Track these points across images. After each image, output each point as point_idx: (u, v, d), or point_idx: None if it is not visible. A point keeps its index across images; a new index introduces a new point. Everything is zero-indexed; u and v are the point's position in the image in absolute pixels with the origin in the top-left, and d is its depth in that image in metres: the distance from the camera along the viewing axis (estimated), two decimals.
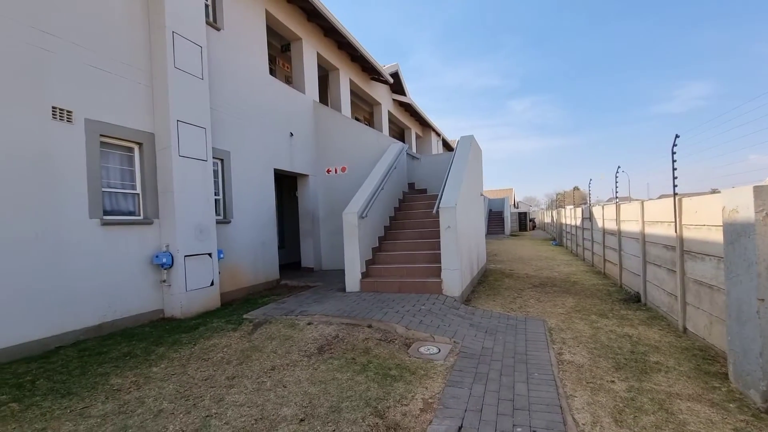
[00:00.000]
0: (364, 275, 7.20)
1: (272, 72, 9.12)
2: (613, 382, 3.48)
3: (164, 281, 5.84)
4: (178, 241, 5.78)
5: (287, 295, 7.28)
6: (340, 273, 9.19)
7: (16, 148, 4.26)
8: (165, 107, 5.74)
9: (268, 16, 8.74)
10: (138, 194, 5.70)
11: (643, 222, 6.19)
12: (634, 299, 6.45)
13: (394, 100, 16.88)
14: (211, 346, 4.55)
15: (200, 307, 6.12)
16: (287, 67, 11.15)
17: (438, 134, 23.38)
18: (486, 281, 8.65)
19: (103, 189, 5.19)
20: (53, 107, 4.58)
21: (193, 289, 6.02)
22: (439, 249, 6.62)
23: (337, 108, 11.87)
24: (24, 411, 3.12)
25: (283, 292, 7.80)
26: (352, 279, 7.04)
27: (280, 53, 10.80)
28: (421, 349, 4.27)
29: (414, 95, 17.63)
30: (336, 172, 10.23)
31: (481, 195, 10.23)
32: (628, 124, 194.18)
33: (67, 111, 4.71)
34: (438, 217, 6.54)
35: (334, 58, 11.54)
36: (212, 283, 6.41)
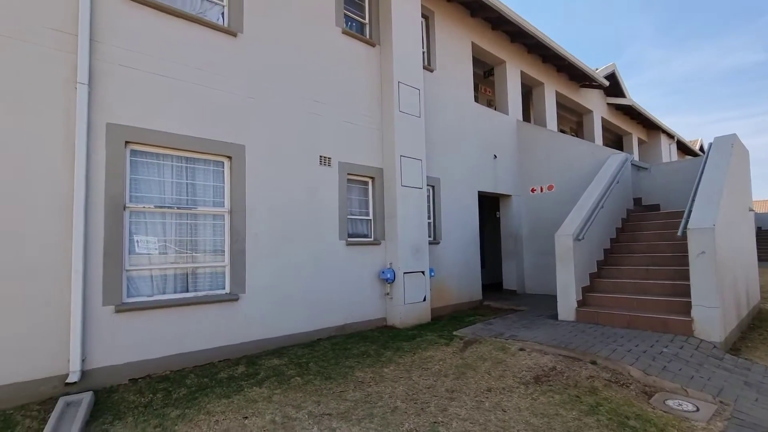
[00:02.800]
0: (581, 303, 6.48)
1: (475, 99, 9.53)
2: None
3: (387, 294, 6.77)
4: (399, 260, 6.65)
5: (492, 317, 7.26)
6: (547, 298, 8.59)
7: (301, 187, 5.85)
8: (391, 145, 6.82)
9: (474, 48, 9.26)
10: (370, 220, 6.89)
11: None
12: None
13: (608, 104, 14.84)
14: (428, 358, 4.97)
15: (415, 319, 6.79)
16: (489, 92, 11.42)
17: (670, 136, 19.06)
18: (763, 326, 6.40)
19: (348, 216, 6.50)
20: (320, 156, 6.12)
21: (410, 302, 6.75)
22: (684, 279, 5.39)
23: (542, 123, 11.32)
24: (304, 385, 4.14)
25: (487, 312, 7.82)
26: (566, 306, 6.44)
27: (482, 79, 11.18)
28: (670, 402, 3.52)
29: (631, 94, 15.06)
30: (542, 191, 9.69)
31: (750, 210, 7.72)
32: None
33: (328, 157, 6.21)
34: (684, 240, 5.32)
35: (538, 72, 11.14)
36: (425, 299, 7.03)
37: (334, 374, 4.42)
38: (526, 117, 12.30)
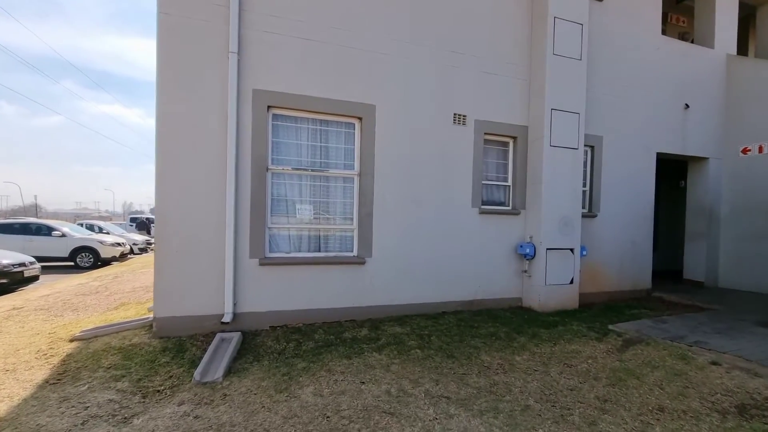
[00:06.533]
0: None
1: (663, 32, 7.32)
2: None
3: (525, 271, 5.96)
4: (541, 233, 5.73)
5: (666, 313, 5.80)
6: (757, 297, 6.58)
7: (432, 149, 5.43)
8: (541, 98, 5.74)
9: None
10: (509, 186, 6.06)
11: None
12: None
13: None
14: (573, 352, 4.15)
15: (557, 304, 5.84)
16: (683, 22, 8.72)
17: None
18: None
19: (483, 181, 5.83)
20: (454, 113, 5.53)
21: (552, 284, 5.82)
22: None
23: None
24: (424, 360, 3.89)
25: (657, 306, 6.28)
26: None
27: (674, 6, 8.55)
28: None
29: None
30: (760, 151, 7.07)
31: None
32: None
33: (463, 115, 5.57)
34: None
35: None
36: (572, 281, 5.97)
37: (456, 353, 4.07)
38: (743, 50, 9.05)
